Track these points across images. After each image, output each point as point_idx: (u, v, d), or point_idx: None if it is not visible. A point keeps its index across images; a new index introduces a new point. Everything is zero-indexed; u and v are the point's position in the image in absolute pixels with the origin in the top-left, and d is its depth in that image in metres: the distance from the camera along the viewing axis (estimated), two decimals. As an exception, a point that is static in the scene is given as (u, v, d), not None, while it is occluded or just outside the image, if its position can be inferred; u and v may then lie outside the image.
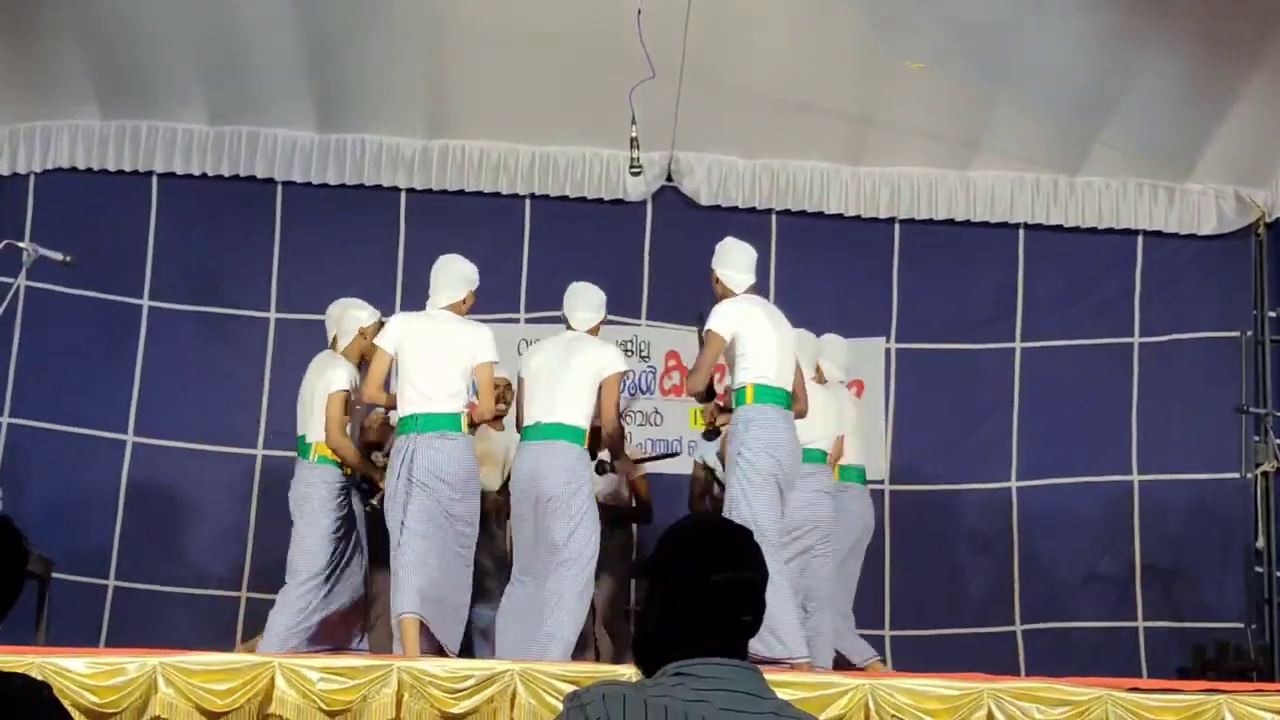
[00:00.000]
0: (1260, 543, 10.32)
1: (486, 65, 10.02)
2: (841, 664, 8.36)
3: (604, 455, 8.08)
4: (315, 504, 7.91)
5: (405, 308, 10.43)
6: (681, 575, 2.83)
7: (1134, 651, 10.32)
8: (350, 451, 7.94)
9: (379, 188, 10.70)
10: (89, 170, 10.54)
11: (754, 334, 7.47)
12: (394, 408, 7.69)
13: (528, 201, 10.83)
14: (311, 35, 9.85)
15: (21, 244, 7.77)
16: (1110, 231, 10.96)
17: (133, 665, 5.90)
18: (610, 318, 9.35)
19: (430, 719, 5.96)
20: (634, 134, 8.87)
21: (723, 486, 8.09)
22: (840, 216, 10.92)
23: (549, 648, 7.20)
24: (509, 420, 8.07)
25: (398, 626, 7.23)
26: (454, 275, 7.84)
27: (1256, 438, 10.30)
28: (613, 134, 9.62)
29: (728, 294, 7.66)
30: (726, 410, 7.66)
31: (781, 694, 2.82)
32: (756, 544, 2.89)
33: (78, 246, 8.31)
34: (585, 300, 8.05)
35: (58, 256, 7.66)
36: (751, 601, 2.84)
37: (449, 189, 10.72)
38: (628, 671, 5.70)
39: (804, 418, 7.69)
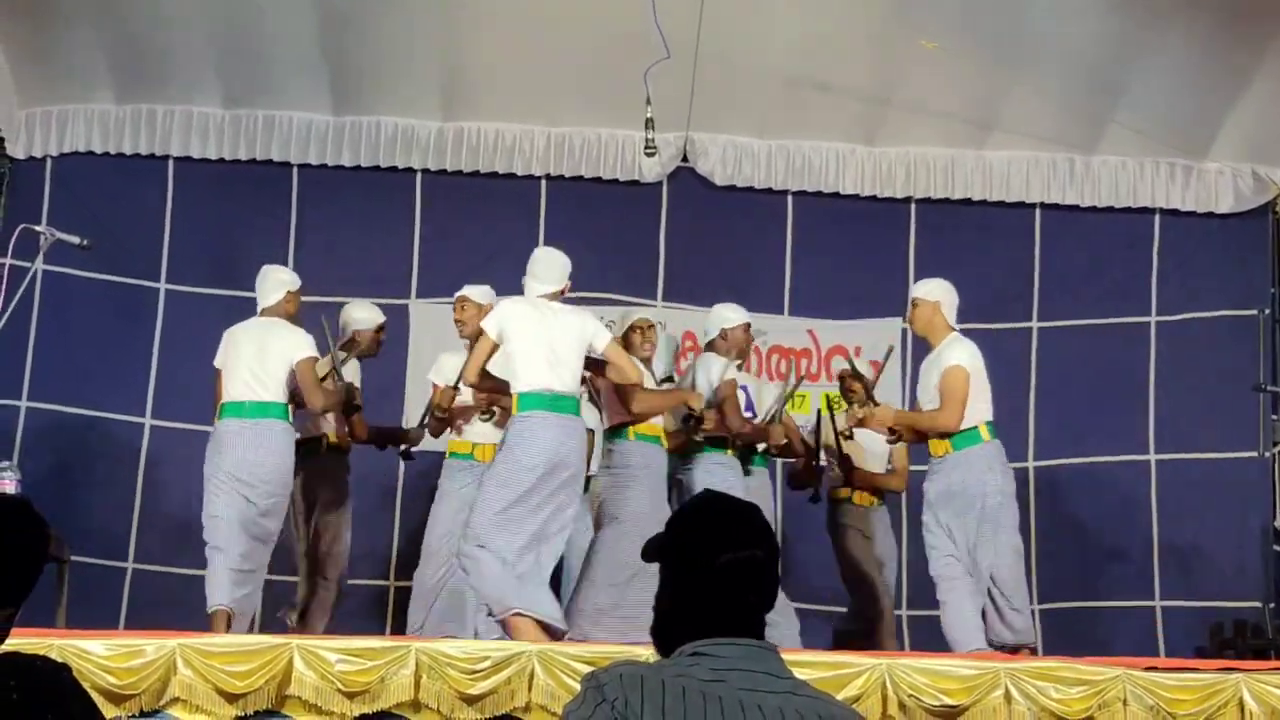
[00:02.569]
0: (1278, 521, 10.31)
1: (501, 46, 10.02)
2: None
3: None
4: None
5: (420, 289, 10.56)
6: (689, 558, 2.83)
7: (1151, 631, 10.31)
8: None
9: (394, 170, 10.72)
10: (105, 154, 10.57)
11: None
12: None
13: (543, 183, 10.84)
14: (326, 17, 9.85)
15: (38, 228, 7.76)
16: (1127, 210, 10.95)
17: (151, 647, 5.92)
18: (627, 298, 9.37)
19: (448, 700, 5.97)
20: (649, 115, 8.87)
21: None
22: (856, 197, 10.93)
23: None
24: None
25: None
26: (273, 283, 8.21)
27: (1274, 416, 10.30)
28: (628, 115, 9.62)
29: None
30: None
31: (799, 673, 2.82)
32: (765, 522, 2.89)
33: (94, 230, 8.32)
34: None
35: (74, 240, 7.66)
36: (760, 580, 2.84)
37: (464, 170, 10.74)
38: (645, 652, 5.72)
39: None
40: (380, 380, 9.53)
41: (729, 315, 8.58)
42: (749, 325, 8.65)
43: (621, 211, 10.80)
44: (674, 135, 10.58)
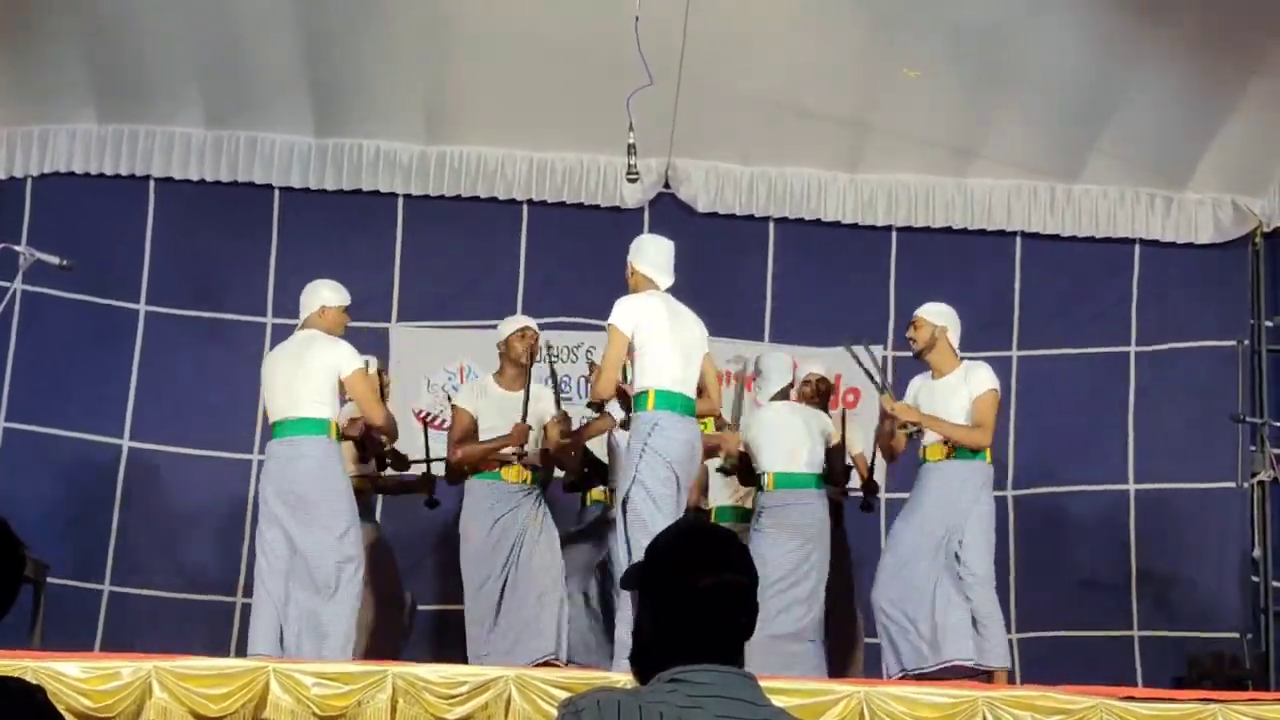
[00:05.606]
0: (1257, 552, 10.34)
1: (484, 71, 10.02)
2: None
3: None
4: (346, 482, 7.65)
5: (401, 312, 10.52)
6: (668, 583, 2.83)
7: (1129, 660, 10.31)
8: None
9: (376, 193, 10.70)
10: (86, 174, 10.53)
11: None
12: None
13: (525, 207, 10.83)
14: (309, 40, 9.85)
15: (18, 248, 7.74)
16: (1107, 240, 10.97)
17: (127, 669, 5.90)
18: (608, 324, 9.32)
19: (424, 725, 5.96)
20: (631, 140, 8.85)
21: None
22: (838, 224, 10.93)
23: None
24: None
25: None
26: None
27: (1253, 447, 10.31)
28: (610, 140, 9.62)
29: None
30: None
31: (777, 700, 2.82)
32: (744, 547, 2.89)
33: (74, 250, 8.26)
34: None
35: (54, 260, 7.62)
36: (740, 606, 2.83)
37: (446, 194, 10.72)
38: (623, 679, 5.70)
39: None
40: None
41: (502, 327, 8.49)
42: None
43: (603, 237, 10.76)
44: (656, 161, 10.59)
